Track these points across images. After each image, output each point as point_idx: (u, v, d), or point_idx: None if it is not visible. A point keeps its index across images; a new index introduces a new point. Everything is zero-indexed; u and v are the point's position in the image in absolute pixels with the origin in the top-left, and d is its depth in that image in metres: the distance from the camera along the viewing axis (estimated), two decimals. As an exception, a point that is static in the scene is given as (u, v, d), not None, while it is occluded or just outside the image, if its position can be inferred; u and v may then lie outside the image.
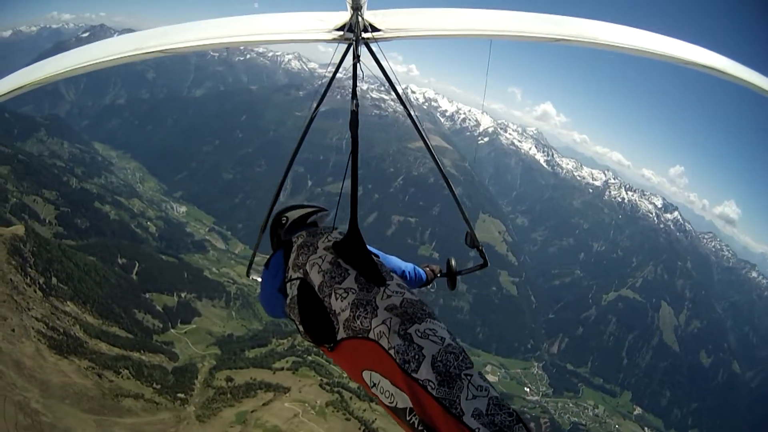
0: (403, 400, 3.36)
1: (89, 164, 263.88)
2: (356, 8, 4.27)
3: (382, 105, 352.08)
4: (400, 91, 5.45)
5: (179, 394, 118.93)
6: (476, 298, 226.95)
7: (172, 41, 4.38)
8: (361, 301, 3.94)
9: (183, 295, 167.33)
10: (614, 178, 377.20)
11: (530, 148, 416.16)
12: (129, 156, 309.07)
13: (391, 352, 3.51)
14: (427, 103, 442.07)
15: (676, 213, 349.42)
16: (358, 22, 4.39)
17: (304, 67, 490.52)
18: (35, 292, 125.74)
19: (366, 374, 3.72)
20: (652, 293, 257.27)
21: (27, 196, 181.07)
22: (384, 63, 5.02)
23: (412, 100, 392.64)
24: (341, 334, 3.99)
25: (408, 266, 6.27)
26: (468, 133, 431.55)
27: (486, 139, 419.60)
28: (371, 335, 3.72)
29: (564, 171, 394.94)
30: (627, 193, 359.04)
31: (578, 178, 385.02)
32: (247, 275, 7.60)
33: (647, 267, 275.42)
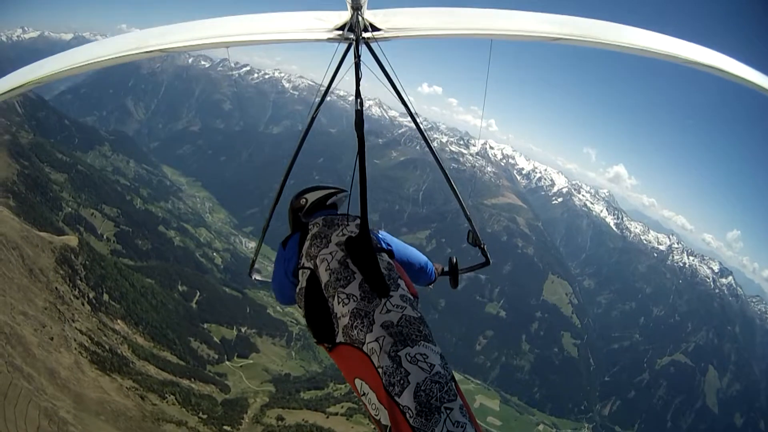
0: (385, 418, 3.50)
1: (156, 187, 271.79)
2: (356, 8, 4.43)
3: (460, 159, 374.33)
4: (401, 90, 5.56)
5: (225, 427, 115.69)
6: (537, 358, 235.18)
7: (171, 40, 4.54)
8: (361, 311, 4.06)
9: (243, 329, 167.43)
10: (678, 243, 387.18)
11: (602, 211, 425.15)
12: (200, 184, 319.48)
13: (380, 371, 3.63)
14: (504, 160, 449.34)
15: (730, 278, 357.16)
16: (358, 21, 4.55)
17: (385, 114, 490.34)
18: (83, 305, 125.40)
19: (358, 382, 3.87)
20: (701, 357, 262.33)
21: (84, 209, 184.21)
22: (384, 62, 5.14)
23: (491, 155, 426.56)
24: (340, 338, 4.13)
25: (423, 260, 6.10)
26: (543, 193, 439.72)
27: (560, 200, 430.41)
28: (365, 349, 3.84)
29: (632, 234, 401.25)
30: (688, 258, 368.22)
31: (645, 242, 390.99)
32: (249, 275, 7.68)
33: (701, 332, 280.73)
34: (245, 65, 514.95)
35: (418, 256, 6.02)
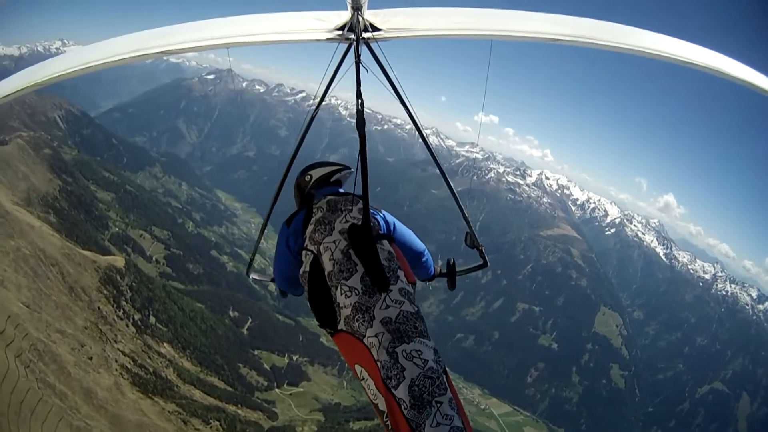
0: (383, 405, 3.90)
1: (209, 211, 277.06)
2: (356, 8, 4.56)
3: (517, 189, 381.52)
4: (400, 91, 5.63)
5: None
6: (586, 390, 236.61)
7: (172, 42, 4.68)
8: (362, 306, 4.33)
9: (295, 357, 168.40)
10: (721, 271, 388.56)
11: (652, 241, 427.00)
12: (254, 210, 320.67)
13: (378, 364, 4.01)
14: (560, 191, 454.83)
15: (767, 303, 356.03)
16: (358, 21, 4.67)
17: (442, 143, 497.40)
18: (127, 326, 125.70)
19: (358, 368, 4.23)
20: (737, 384, 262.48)
21: (133, 229, 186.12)
22: (384, 62, 5.21)
23: (546, 186, 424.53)
24: (342, 326, 4.43)
25: (422, 247, 6.47)
26: (596, 223, 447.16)
27: (612, 230, 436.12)
28: (365, 342, 4.18)
29: (680, 264, 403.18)
30: (730, 286, 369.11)
31: (692, 271, 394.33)
32: (247, 274, 8.04)
33: (738, 359, 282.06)
34: (301, 91, 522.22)
35: (418, 243, 6.26)
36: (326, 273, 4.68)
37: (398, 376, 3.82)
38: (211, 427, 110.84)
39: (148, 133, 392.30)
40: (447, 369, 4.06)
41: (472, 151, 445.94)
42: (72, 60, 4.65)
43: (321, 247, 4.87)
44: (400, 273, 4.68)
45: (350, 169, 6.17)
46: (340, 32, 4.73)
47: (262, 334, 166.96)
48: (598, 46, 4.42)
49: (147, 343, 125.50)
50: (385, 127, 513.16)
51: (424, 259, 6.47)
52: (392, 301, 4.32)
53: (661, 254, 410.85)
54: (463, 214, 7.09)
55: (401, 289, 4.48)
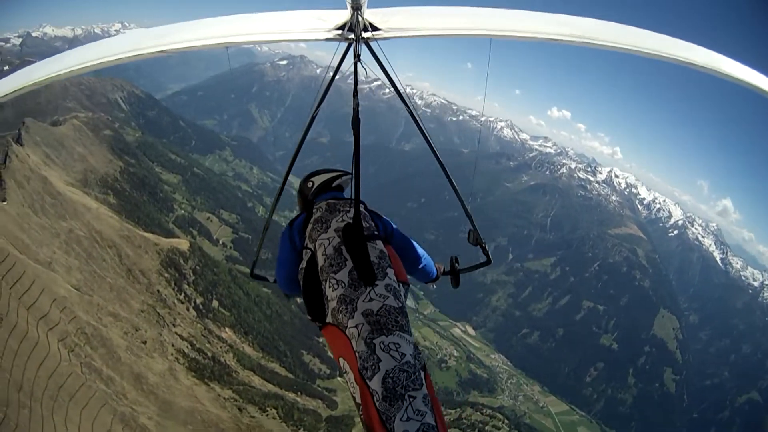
0: (359, 397, 3.95)
1: (281, 197, 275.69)
2: (356, 7, 4.64)
3: (588, 186, 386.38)
4: (400, 89, 5.86)
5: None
6: (640, 393, 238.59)
7: (171, 41, 4.73)
8: (347, 297, 4.46)
9: None
10: None
11: (710, 245, 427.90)
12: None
13: (356, 354, 4.10)
14: (628, 189, 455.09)
15: None
16: (358, 21, 4.76)
17: (516, 137, 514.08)
18: (187, 310, 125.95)
19: (341, 361, 4.32)
20: None
21: (199, 212, 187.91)
22: (384, 61, 5.36)
23: (615, 184, 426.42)
24: (329, 319, 4.57)
25: (420, 251, 6.60)
26: (661, 224, 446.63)
27: (675, 232, 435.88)
28: (347, 333, 4.28)
29: (734, 270, 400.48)
30: None
31: (743, 278, 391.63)
32: (251, 275, 7.95)
33: None
34: (376, 79, 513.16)
35: (417, 248, 6.37)
36: (319, 267, 4.84)
37: (373, 367, 3.86)
38: (267, 415, 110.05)
39: (219, 116, 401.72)
40: (427, 366, 4.17)
41: (545, 146, 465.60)
42: (71, 59, 4.64)
43: (316, 244, 5.04)
44: (390, 271, 4.75)
45: (350, 174, 5.99)
46: (340, 32, 4.81)
47: None
48: (598, 46, 4.48)
49: (208, 328, 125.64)
50: (460, 118, 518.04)
51: (422, 263, 6.47)
52: (376, 294, 4.40)
53: (718, 259, 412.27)
54: (466, 210, 7.01)
55: (388, 285, 4.55)
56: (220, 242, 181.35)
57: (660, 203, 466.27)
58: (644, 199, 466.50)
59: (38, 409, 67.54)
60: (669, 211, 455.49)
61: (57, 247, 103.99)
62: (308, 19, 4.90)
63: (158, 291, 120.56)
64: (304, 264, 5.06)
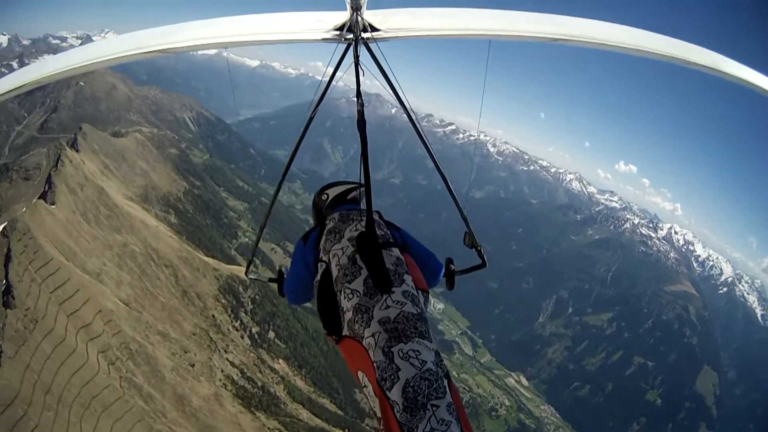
0: (378, 411, 3.75)
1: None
2: (356, 8, 4.61)
3: (649, 242, 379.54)
4: (399, 91, 5.69)
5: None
6: None
7: (170, 41, 4.71)
8: (362, 306, 4.33)
9: None
10: None
11: (754, 302, 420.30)
12: None
13: (374, 365, 3.91)
14: (685, 246, 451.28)
15: None
16: (357, 21, 4.72)
17: (584, 190, 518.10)
18: (242, 338, 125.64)
19: (360, 374, 4.16)
20: None
21: (264, 242, 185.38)
22: (383, 62, 5.30)
23: (674, 241, 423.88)
24: (345, 332, 4.42)
25: (435, 260, 6.25)
26: (713, 281, 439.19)
27: (725, 289, 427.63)
28: (363, 343, 4.15)
29: None
30: None
31: None
32: (246, 275, 8.09)
33: None
34: (450, 124, 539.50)
35: (431, 255, 6.09)
36: (333, 279, 4.69)
37: (393, 377, 3.66)
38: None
39: (290, 147, 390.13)
40: (450, 375, 3.91)
41: (611, 200, 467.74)
42: (71, 59, 4.55)
43: (330, 255, 4.90)
44: (407, 278, 4.58)
45: (361, 185, 5.74)
46: (339, 32, 4.74)
47: None
48: (598, 47, 4.53)
49: (261, 357, 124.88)
50: (531, 168, 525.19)
51: (437, 272, 6.10)
52: (393, 302, 4.25)
53: (759, 315, 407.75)
54: (462, 213, 6.82)
55: (405, 291, 4.38)
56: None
57: (713, 260, 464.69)
58: (699, 256, 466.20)
59: (65, 413, 67.39)
60: (720, 269, 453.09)
61: (108, 259, 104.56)
62: (307, 20, 4.83)
63: (213, 316, 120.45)
64: (318, 277, 4.93)
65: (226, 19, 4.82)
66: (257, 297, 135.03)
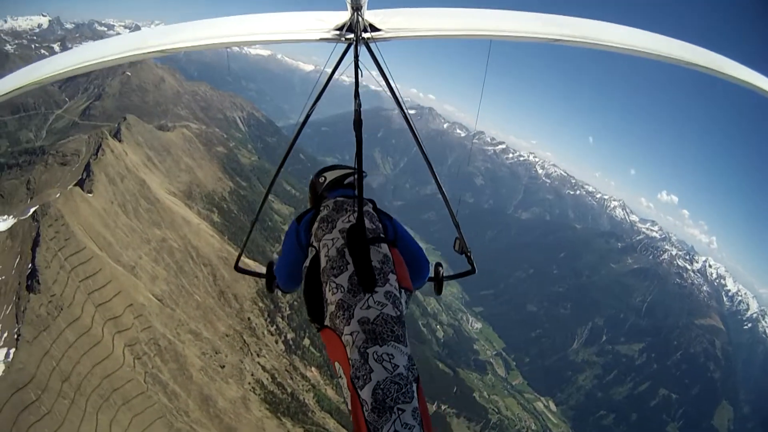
0: (350, 404, 3.81)
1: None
2: (356, 8, 4.64)
3: (684, 275, 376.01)
4: (396, 91, 5.71)
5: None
6: None
7: (171, 41, 4.76)
8: (345, 303, 4.35)
9: (443, 407, 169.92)
10: None
11: None
12: (438, 254, 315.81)
13: (350, 362, 3.95)
14: (717, 280, 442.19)
15: None
16: (358, 21, 4.74)
17: (626, 218, 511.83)
18: (276, 343, 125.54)
19: (337, 365, 4.18)
20: None
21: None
22: (382, 63, 5.26)
23: (708, 274, 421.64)
24: (327, 322, 4.44)
25: (425, 259, 6.11)
26: (739, 317, 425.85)
27: (749, 325, 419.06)
28: (342, 339, 4.17)
29: None
30: None
31: None
32: (235, 268, 7.68)
33: None
34: (501, 142, 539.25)
35: (422, 254, 5.99)
36: (321, 269, 4.68)
37: (365, 377, 3.71)
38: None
39: (340, 155, 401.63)
40: (420, 379, 3.91)
41: (651, 230, 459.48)
42: (71, 59, 4.62)
43: (320, 244, 4.86)
44: (392, 277, 4.59)
45: (364, 173, 5.37)
46: (340, 32, 4.77)
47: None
48: (598, 47, 4.54)
49: (293, 364, 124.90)
50: (577, 192, 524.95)
51: (424, 270, 6.00)
52: (374, 302, 4.26)
53: None
54: (453, 219, 6.55)
55: (387, 292, 4.39)
56: None
57: (742, 296, 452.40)
58: (730, 290, 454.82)
59: (82, 402, 67.40)
60: (747, 304, 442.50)
61: (145, 253, 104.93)
62: (308, 20, 4.85)
63: (249, 319, 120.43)
64: (307, 263, 4.89)
65: (227, 18, 4.91)
66: (296, 303, 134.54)
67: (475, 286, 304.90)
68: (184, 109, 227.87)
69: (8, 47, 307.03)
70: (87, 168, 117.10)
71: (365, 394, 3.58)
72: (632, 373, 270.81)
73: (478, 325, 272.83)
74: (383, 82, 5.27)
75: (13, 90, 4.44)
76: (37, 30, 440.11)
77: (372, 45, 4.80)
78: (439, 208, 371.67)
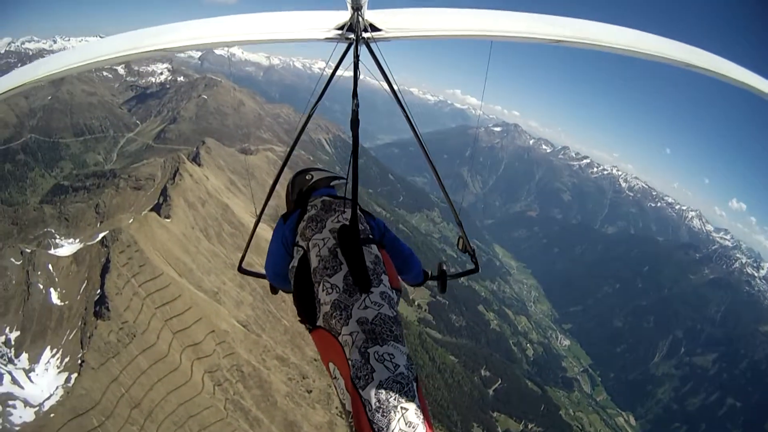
0: (350, 404, 3.84)
1: (485, 265, 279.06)
2: (357, 8, 4.63)
3: (752, 282, 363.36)
4: (397, 91, 5.63)
5: None
6: None
7: (171, 39, 4.75)
8: (341, 303, 4.37)
9: (530, 426, 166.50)
10: None
11: None
12: (529, 272, 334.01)
13: (349, 363, 3.97)
14: None
15: None
16: (358, 21, 4.73)
17: (703, 228, 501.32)
18: None
19: (331, 366, 4.21)
20: None
21: None
22: (383, 62, 5.25)
23: None
24: (320, 322, 4.44)
25: (411, 254, 6.32)
26: None
27: None
28: (340, 339, 4.16)
29: None
30: None
31: None
32: (239, 269, 7.81)
33: None
34: (585, 157, 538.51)
35: (407, 250, 6.15)
36: (312, 269, 4.72)
37: (367, 377, 3.76)
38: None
39: (430, 175, 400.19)
40: (419, 378, 3.98)
41: (724, 239, 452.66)
42: (69, 59, 4.57)
43: (310, 244, 4.94)
44: (384, 277, 4.67)
45: (344, 180, 5.90)
46: (340, 32, 4.72)
47: (507, 397, 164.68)
48: (599, 48, 4.52)
49: None
50: (659, 204, 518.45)
51: (412, 264, 6.17)
52: (371, 302, 4.30)
53: None
54: (457, 218, 6.56)
55: (383, 292, 4.46)
56: (416, 303, 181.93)
57: None
58: None
59: (152, 429, 67.76)
60: None
61: (229, 279, 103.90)
62: (308, 19, 4.82)
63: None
64: (295, 263, 4.97)
65: (226, 18, 4.82)
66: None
67: (565, 303, 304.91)
68: (267, 131, 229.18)
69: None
70: (164, 193, 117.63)
71: (367, 394, 3.63)
72: (705, 383, 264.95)
73: (567, 342, 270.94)
74: (386, 84, 5.21)
75: (12, 89, 4.37)
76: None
77: (372, 45, 4.73)
78: (529, 226, 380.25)
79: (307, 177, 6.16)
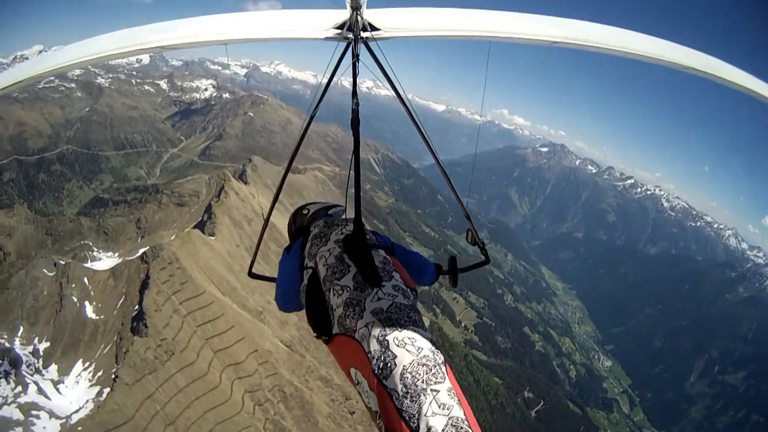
0: (375, 404, 3.69)
1: (531, 286, 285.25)
2: (356, 7, 4.65)
3: None
4: (399, 89, 5.70)
5: None
6: None
7: (169, 37, 4.73)
8: (353, 300, 4.30)
9: None
10: None
11: None
12: (574, 293, 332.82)
13: (369, 356, 3.83)
14: None
15: None
16: (357, 20, 4.74)
17: (738, 246, 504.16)
18: None
19: (353, 371, 4.12)
20: None
21: (446, 291, 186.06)
22: (383, 61, 5.32)
23: None
24: (336, 329, 4.37)
25: (423, 259, 6.31)
26: None
27: None
28: (356, 336, 4.07)
29: None
30: None
31: None
32: (249, 274, 7.67)
33: None
34: (629, 177, 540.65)
35: (418, 255, 6.17)
36: (321, 279, 4.65)
37: (390, 365, 3.58)
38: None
39: (478, 196, 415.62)
40: (447, 361, 3.72)
41: (757, 256, 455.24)
42: (67, 55, 4.55)
43: (317, 258, 4.89)
44: (396, 275, 4.58)
45: (342, 207, 6.16)
46: (339, 31, 4.72)
47: (548, 418, 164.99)
48: (597, 50, 4.50)
49: None
50: (698, 224, 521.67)
51: (425, 266, 6.09)
52: (384, 294, 4.23)
53: None
54: (465, 211, 6.70)
55: (395, 285, 4.38)
56: (462, 324, 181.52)
57: None
58: None
59: None
60: None
61: (273, 298, 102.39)
62: (307, 18, 4.80)
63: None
64: (305, 281, 4.89)
65: (225, 15, 4.77)
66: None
67: (608, 323, 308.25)
68: (315, 150, 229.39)
69: (100, 80, 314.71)
70: (208, 210, 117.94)
71: (392, 382, 3.46)
72: (735, 401, 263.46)
73: (609, 363, 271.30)
74: (385, 81, 5.24)
75: (10, 85, 4.34)
76: (137, 65, 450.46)
77: (372, 44, 4.76)
78: (575, 247, 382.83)
79: (304, 212, 6.05)
